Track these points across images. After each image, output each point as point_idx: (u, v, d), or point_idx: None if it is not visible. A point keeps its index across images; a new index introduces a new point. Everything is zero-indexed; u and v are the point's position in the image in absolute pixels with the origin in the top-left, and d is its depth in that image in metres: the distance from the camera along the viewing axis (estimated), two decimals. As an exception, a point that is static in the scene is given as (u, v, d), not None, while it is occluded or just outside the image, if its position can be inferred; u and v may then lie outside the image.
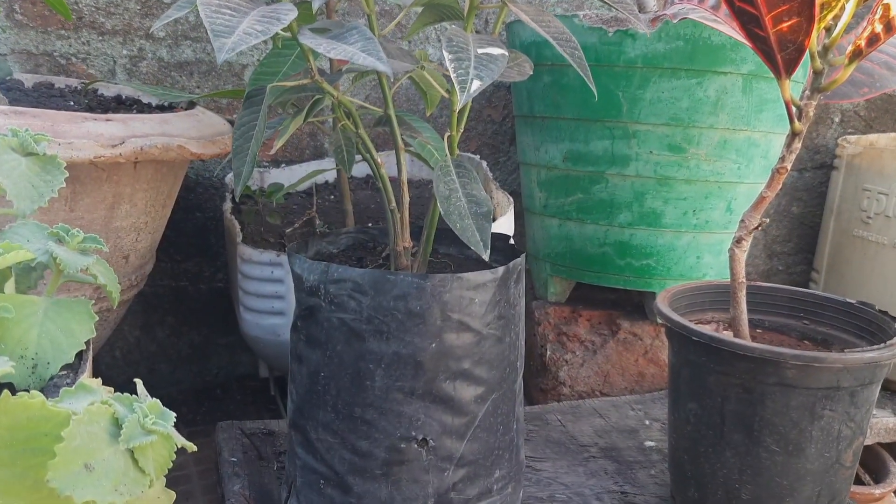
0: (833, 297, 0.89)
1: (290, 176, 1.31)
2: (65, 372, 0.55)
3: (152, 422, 0.45)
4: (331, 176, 1.36)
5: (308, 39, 0.61)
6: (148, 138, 0.83)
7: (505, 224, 1.07)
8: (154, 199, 0.93)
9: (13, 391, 0.53)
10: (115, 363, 1.37)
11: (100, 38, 1.25)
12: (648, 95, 1.07)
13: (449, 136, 0.72)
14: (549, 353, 1.22)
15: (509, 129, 1.50)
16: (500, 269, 0.71)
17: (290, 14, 0.61)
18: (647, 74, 1.07)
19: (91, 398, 0.48)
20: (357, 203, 1.27)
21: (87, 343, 0.57)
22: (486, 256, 0.65)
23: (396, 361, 0.69)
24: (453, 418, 0.71)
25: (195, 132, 0.91)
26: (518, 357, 0.77)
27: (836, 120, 1.66)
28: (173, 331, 1.40)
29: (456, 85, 0.56)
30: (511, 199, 1.11)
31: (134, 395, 0.47)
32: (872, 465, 1.31)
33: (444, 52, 0.59)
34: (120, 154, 0.79)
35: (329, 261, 0.83)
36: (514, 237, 1.11)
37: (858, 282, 1.40)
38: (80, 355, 0.57)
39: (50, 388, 0.54)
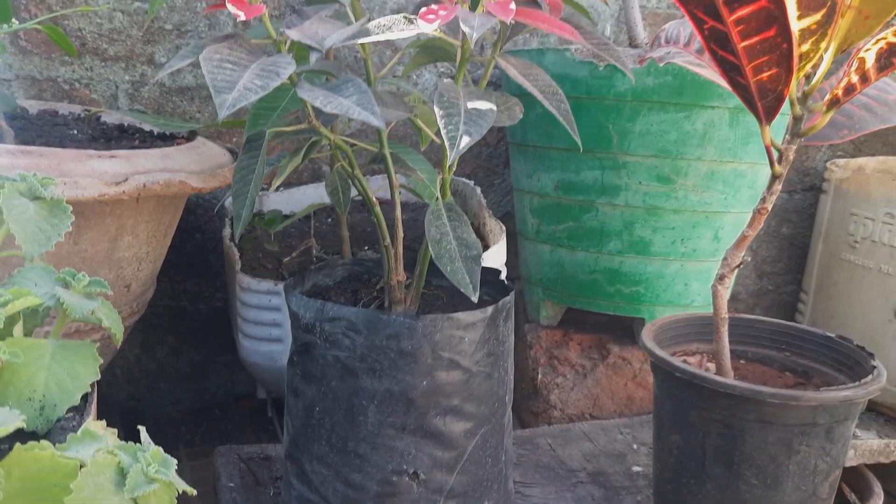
0: (814, 330, 0.92)
1: (288, 199, 1.34)
2: (71, 414, 0.58)
3: (155, 470, 0.48)
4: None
5: (306, 93, 0.64)
6: (150, 174, 0.85)
7: (497, 252, 1.09)
8: (155, 230, 0.96)
9: (23, 433, 0.56)
10: (115, 382, 1.40)
11: (103, 63, 1.27)
12: (638, 128, 1.10)
13: (441, 180, 0.75)
14: (540, 376, 1.25)
15: (503, 152, 1.53)
16: (490, 309, 0.74)
17: (289, 68, 0.64)
18: (636, 107, 1.09)
19: (97, 445, 0.50)
20: (353, 226, 1.30)
21: (93, 386, 0.60)
22: (475, 298, 0.68)
23: (389, 398, 0.72)
24: (443, 452, 0.73)
25: (196, 166, 0.93)
26: (507, 392, 0.80)
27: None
28: (173, 350, 1.42)
29: (446, 142, 0.59)
30: (503, 227, 1.14)
31: (138, 444, 0.50)
32: (857, 485, 1.33)
33: (435, 107, 0.62)
34: (123, 192, 0.82)
35: (325, 293, 0.86)
36: (507, 259, 1.14)
37: (845, 304, 1.43)
38: (85, 397, 0.59)
39: (57, 431, 0.56)
